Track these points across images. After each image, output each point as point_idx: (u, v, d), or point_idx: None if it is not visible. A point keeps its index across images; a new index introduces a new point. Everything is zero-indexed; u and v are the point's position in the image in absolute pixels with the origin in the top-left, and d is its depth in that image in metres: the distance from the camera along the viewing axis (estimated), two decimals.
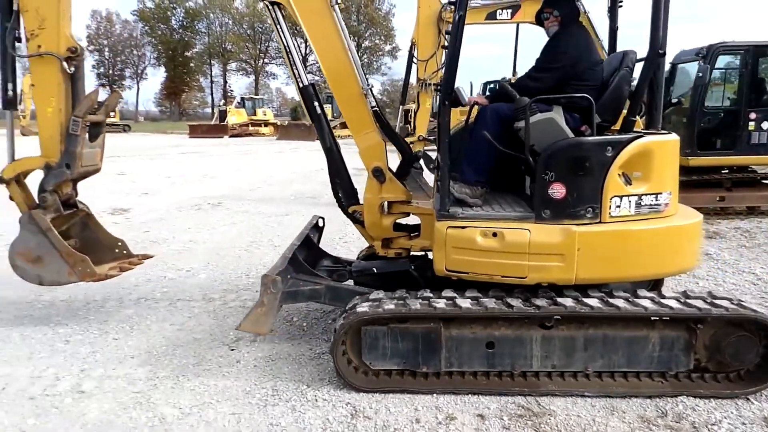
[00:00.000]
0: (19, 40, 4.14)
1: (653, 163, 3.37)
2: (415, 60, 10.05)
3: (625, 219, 3.34)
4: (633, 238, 3.34)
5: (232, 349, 4.00)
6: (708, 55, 8.73)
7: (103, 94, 4.47)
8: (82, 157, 4.16)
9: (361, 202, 4.15)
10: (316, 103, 4.10)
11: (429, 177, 9.72)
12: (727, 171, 9.24)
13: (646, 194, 3.35)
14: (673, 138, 3.48)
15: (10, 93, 4.19)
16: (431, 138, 10.41)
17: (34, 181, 4.24)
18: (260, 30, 66.01)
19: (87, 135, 4.18)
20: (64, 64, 4.02)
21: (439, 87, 4.74)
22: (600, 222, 3.31)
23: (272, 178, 14.44)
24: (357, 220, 4.24)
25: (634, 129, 3.56)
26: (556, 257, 3.29)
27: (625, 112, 3.69)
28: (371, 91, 4.17)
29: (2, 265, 4.41)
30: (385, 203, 4.08)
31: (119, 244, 4.69)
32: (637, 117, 3.74)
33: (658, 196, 3.39)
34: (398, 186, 4.08)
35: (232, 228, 8.23)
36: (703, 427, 3.00)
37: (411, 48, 10.41)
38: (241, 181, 13.93)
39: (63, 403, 3.28)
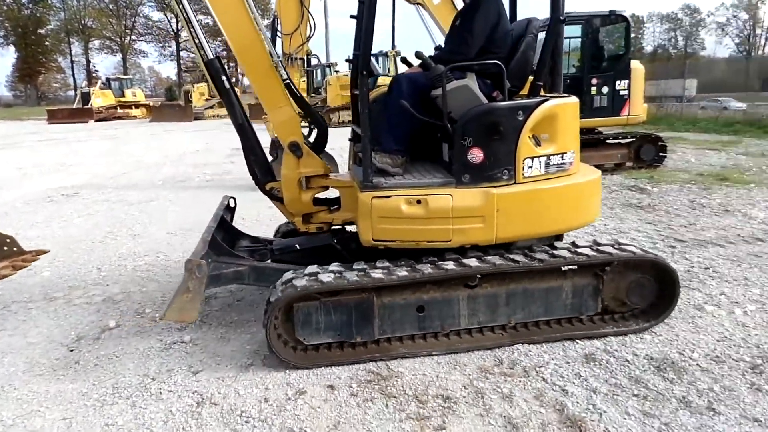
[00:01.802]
0: None
1: (558, 125, 3.50)
2: (279, 34, 9.77)
3: (537, 179, 3.47)
4: (545, 197, 3.47)
5: (71, 350, 3.68)
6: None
7: None
8: None
9: (278, 178, 4.03)
10: (224, 78, 3.87)
11: None
12: None
13: (553, 154, 3.50)
14: (574, 101, 3.61)
15: None
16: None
17: None
18: (124, 4, 61.22)
19: None
20: None
21: (350, 60, 4.55)
22: (515, 183, 3.42)
23: (140, 163, 13.53)
24: (275, 197, 4.13)
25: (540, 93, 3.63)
26: (478, 219, 3.38)
27: (531, 77, 3.74)
28: (281, 63, 4.00)
29: None
30: (303, 178, 3.97)
31: (8, 240, 4.26)
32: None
33: (564, 155, 3.55)
34: (316, 160, 3.99)
35: (88, 219, 7.60)
36: (532, 369, 3.22)
37: (273, 21, 10.10)
38: (104, 168, 12.91)
39: None
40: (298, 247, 4.16)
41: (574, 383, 3.06)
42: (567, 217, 3.60)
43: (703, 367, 3.16)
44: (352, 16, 4.16)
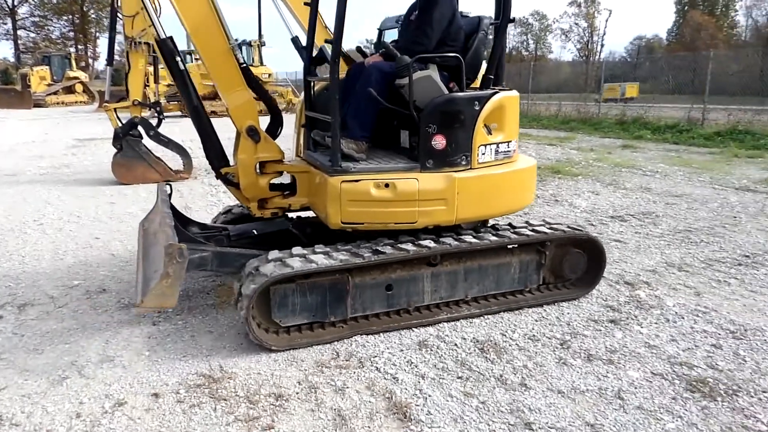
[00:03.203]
0: None
1: (506, 116, 3.81)
2: (119, 16, 9.04)
3: (489, 165, 3.77)
4: (496, 181, 3.78)
5: None
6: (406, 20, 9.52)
7: None
8: None
9: (232, 163, 4.04)
10: (178, 58, 3.81)
11: (149, 144, 9.05)
12: None
13: (501, 142, 3.82)
14: (516, 94, 3.95)
15: None
16: (157, 103, 9.58)
17: None
18: None
19: None
20: None
21: (296, 42, 4.56)
22: (471, 168, 3.68)
23: None
24: (230, 182, 4.11)
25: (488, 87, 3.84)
26: (441, 201, 3.60)
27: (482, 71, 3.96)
28: (238, 46, 3.96)
29: None
30: (258, 164, 3.98)
31: None
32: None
33: (509, 143, 3.89)
34: (273, 145, 4.04)
35: None
36: (367, 360, 3.28)
37: (113, 2, 9.33)
38: None
39: None
40: (255, 233, 4.19)
41: (405, 370, 3.16)
42: (514, 200, 3.99)
43: (521, 346, 3.41)
44: (306, 3, 4.10)
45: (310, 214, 4.37)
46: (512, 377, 3.06)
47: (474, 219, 3.87)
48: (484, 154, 3.73)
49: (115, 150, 8.81)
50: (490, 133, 3.75)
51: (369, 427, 2.66)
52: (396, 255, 3.52)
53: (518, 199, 4.03)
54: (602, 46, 65.05)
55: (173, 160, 9.67)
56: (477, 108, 3.65)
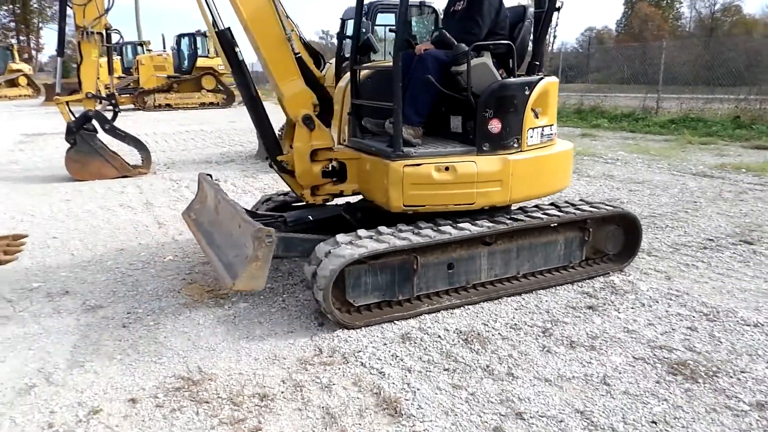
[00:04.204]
0: None
1: (549, 100, 4.04)
2: (69, 3, 8.61)
3: (536, 147, 3.99)
4: (543, 163, 4.01)
5: None
6: (369, 12, 9.40)
7: None
8: None
9: (285, 152, 4.16)
10: (237, 49, 3.86)
11: (104, 138, 8.68)
12: None
13: (545, 126, 4.04)
14: (557, 80, 4.14)
15: None
16: (112, 96, 9.20)
17: None
18: None
19: None
20: None
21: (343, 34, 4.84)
22: (521, 151, 3.89)
23: None
24: (285, 170, 4.19)
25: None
26: (497, 183, 3.81)
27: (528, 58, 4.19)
28: (294, 35, 4.05)
29: None
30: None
31: None
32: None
33: (552, 127, 4.13)
34: (327, 133, 4.11)
35: None
36: (351, 355, 3.22)
37: None
38: None
39: None
40: (311, 219, 4.27)
41: (390, 365, 3.11)
42: (557, 180, 4.23)
43: (504, 336, 3.42)
44: None
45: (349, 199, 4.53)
46: (499, 367, 3.05)
47: (524, 199, 4.07)
48: (532, 137, 3.94)
49: (68, 145, 8.41)
50: (537, 117, 3.96)
51: (360, 424, 2.60)
52: (493, 229, 3.78)
53: (561, 179, 4.28)
54: (554, 37, 66.41)
55: (130, 155, 9.34)
56: (527, 93, 3.86)
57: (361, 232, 3.65)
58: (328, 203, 4.40)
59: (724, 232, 5.36)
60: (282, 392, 2.87)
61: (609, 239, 4.37)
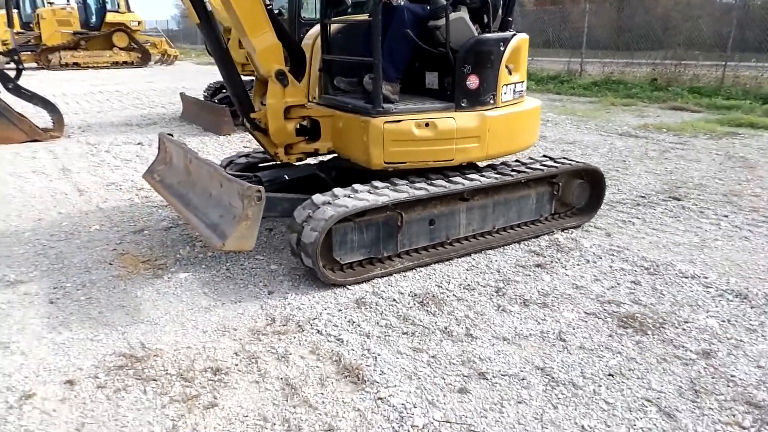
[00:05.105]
0: None
1: (520, 57, 4.04)
2: None
3: (509, 104, 4.01)
4: (516, 119, 4.06)
5: None
6: None
7: None
8: None
9: (257, 109, 3.98)
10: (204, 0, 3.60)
11: (9, 99, 7.88)
12: None
13: (517, 83, 4.06)
14: (527, 36, 4.14)
15: None
16: (14, 51, 8.34)
17: None
18: None
19: None
20: None
21: None
22: (496, 107, 3.90)
23: None
24: (258, 128, 4.00)
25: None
26: (475, 139, 3.82)
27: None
28: None
29: None
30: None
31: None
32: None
33: (522, 84, 4.16)
34: (300, 89, 3.95)
35: None
36: (306, 323, 3.10)
37: None
38: None
39: None
40: (287, 178, 4.18)
41: (348, 331, 3.02)
42: (528, 137, 4.29)
43: (459, 297, 3.41)
44: None
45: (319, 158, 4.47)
46: (457, 328, 3.04)
47: (499, 155, 4.11)
48: (505, 93, 3.95)
49: None
50: (510, 73, 3.96)
51: (322, 393, 2.52)
52: (498, 180, 3.88)
53: (531, 136, 4.34)
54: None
55: (38, 117, 8.55)
56: (502, 49, 3.85)
57: (338, 190, 3.56)
58: (301, 162, 4.29)
59: (654, 189, 5.60)
60: (236, 365, 2.73)
61: (575, 193, 4.47)
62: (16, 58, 8.24)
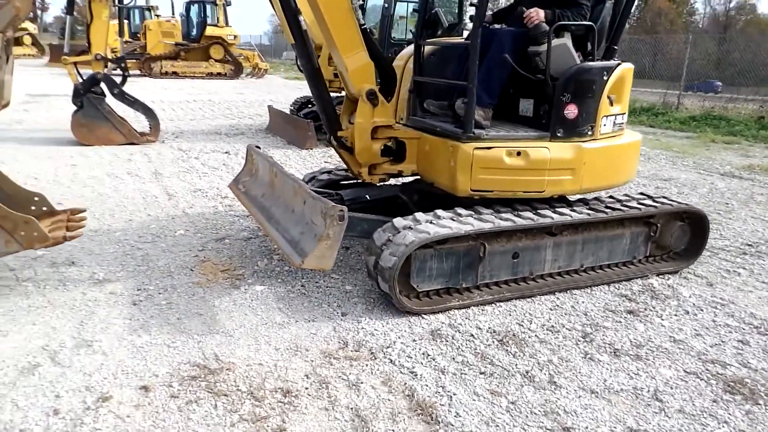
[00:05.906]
0: None
1: (624, 87, 3.84)
2: None
3: (607, 136, 3.80)
4: (615, 152, 3.86)
5: None
6: None
7: None
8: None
9: (345, 127, 3.96)
10: (301, 18, 3.62)
11: (113, 103, 8.39)
12: None
13: (618, 114, 3.85)
14: (632, 66, 3.93)
15: None
16: (121, 59, 8.89)
17: None
18: None
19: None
20: None
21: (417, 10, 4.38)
22: (594, 139, 3.71)
23: None
24: (344, 146, 3.98)
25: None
26: (568, 171, 3.63)
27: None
28: (360, 7, 3.85)
29: None
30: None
31: (36, 199, 3.62)
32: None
33: (624, 116, 3.95)
34: (389, 109, 3.91)
35: None
36: (379, 351, 2.99)
37: None
38: None
39: None
40: (368, 198, 4.14)
41: (422, 364, 2.88)
42: (626, 172, 4.06)
43: (541, 339, 3.19)
44: None
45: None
46: (539, 374, 2.83)
47: (593, 190, 3.88)
48: (605, 125, 3.75)
49: (74, 107, 8.11)
50: (611, 104, 3.77)
51: (393, 430, 2.38)
52: (580, 217, 3.63)
53: (629, 171, 4.10)
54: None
55: (136, 121, 9.05)
56: (605, 78, 3.66)
57: (419, 215, 3.46)
58: (384, 183, 4.23)
59: (762, 237, 5.11)
60: (306, 388, 2.65)
61: (675, 236, 4.14)
62: (123, 65, 8.78)
